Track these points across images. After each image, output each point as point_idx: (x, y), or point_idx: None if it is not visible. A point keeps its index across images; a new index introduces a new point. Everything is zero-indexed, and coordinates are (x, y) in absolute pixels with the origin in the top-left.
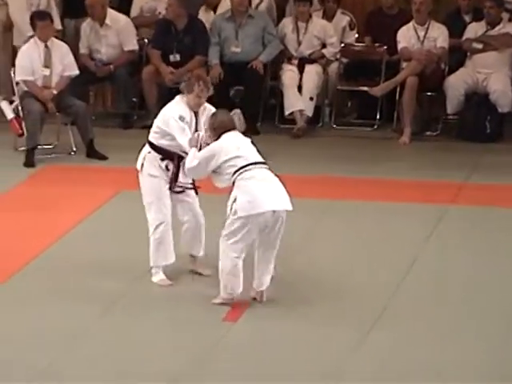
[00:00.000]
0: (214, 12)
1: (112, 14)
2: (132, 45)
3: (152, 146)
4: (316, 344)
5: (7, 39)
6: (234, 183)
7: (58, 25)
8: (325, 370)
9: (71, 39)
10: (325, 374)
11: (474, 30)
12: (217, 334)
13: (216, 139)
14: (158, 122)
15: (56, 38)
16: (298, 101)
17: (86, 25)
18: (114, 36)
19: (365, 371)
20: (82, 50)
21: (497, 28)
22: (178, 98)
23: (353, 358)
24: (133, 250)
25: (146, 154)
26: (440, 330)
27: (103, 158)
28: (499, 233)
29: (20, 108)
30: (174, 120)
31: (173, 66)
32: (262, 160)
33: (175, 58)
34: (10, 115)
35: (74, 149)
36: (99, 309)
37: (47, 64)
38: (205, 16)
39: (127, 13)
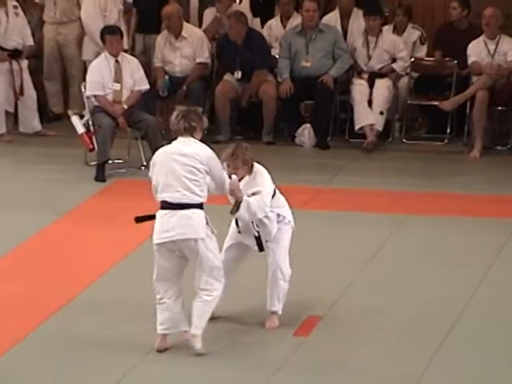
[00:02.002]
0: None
1: (188, 26)
2: (204, 58)
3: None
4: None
5: (79, 54)
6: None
7: (125, 43)
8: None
9: (139, 54)
10: None
11: None
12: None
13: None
14: (197, 166)
15: (126, 52)
16: (368, 115)
17: (161, 37)
18: (189, 47)
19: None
20: (157, 64)
21: None
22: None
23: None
24: None
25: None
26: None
27: None
28: None
29: (91, 123)
30: (217, 160)
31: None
32: None
33: (237, 75)
34: (80, 130)
35: (145, 163)
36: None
37: (118, 79)
38: (277, 28)
39: None
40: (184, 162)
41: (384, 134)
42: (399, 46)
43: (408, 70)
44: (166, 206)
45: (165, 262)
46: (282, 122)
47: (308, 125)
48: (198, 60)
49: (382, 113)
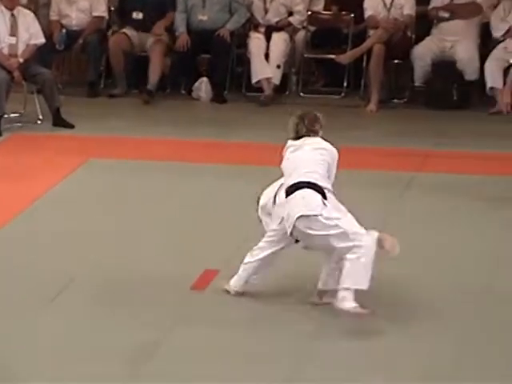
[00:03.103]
0: None
1: None
2: (101, 11)
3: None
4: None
5: None
6: None
7: None
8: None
9: (43, 6)
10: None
11: None
12: None
13: None
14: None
15: (24, 6)
16: (265, 69)
17: None
18: (85, 1)
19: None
20: (53, 17)
21: None
22: None
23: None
24: (105, 219)
25: None
26: None
27: (70, 126)
28: (463, 198)
29: None
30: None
31: (136, 24)
32: None
33: (138, 15)
34: None
35: (41, 117)
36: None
37: (13, 32)
38: None
39: None
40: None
41: (281, 87)
42: None
43: (305, 24)
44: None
45: None
46: (179, 76)
47: (205, 78)
48: (94, 13)
49: (278, 66)
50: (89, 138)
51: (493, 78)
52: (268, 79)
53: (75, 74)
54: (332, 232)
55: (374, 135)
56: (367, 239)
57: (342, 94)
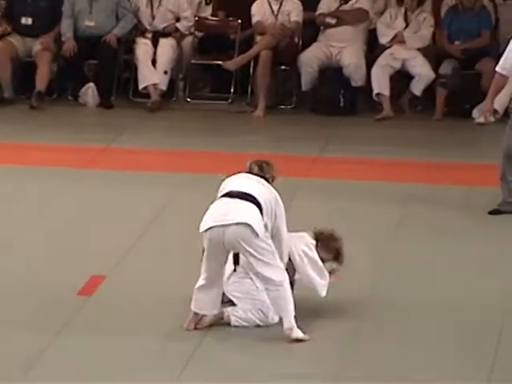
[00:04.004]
0: None
1: None
2: None
3: None
4: None
5: None
6: None
7: None
8: None
9: None
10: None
11: (328, 4)
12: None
13: None
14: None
15: None
16: (152, 74)
17: None
18: None
19: None
20: None
21: (350, 3)
22: None
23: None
24: None
25: None
26: None
27: None
28: (350, 203)
29: None
30: None
31: (24, 30)
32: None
33: (27, 21)
34: None
35: None
36: None
37: None
38: None
39: None
40: None
41: (168, 93)
42: (183, 5)
43: (192, 30)
44: None
45: None
46: (66, 81)
47: (92, 84)
48: None
49: (165, 72)
50: None
51: (379, 84)
52: (155, 85)
53: None
54: None
55: (261, 140)
56: None
57: (229, 100)
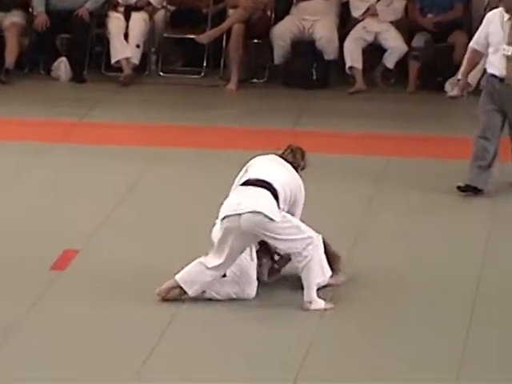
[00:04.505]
0: None
1: None
2: None
3: None
4: None
5: None
6: None
7: None
8: None
9: None
10: None
11: None
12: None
13: None
14: None
15: None
16: (124, 48)
17: None
18: None
19: None
20: None
21: None
22: None
23: None
24: None
25: None
26: None
27: None
28: (324, 177)
29: None
30: None
31: None
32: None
33: None
34: None
35: None
36: None
37: None
38: None
39: None
40: None
41: (140, 67)
42: None
43: (164, 4)
44: None
45: None
46: (38, 56)
47: (64, 58)
48: None
49: (138, 46)
50: None
51: (352, 57)
52: (127, 59)
53: None
54: None
55: (234, 114)
56: None
57: (202, 74)
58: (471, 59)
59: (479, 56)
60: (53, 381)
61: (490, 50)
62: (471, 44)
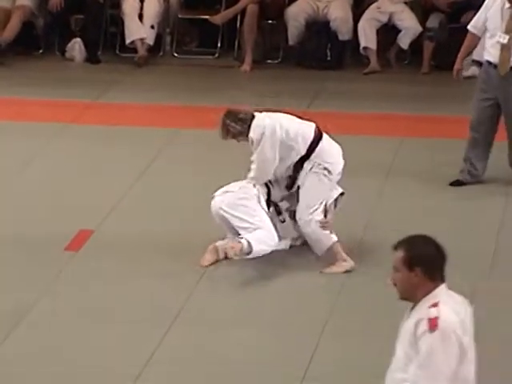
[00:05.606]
0: None
1: None
2: None
3: None
4: None
5: None
6: None
7: None
8: None
9: None
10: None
11: None
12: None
13: None
14: None
15: None
16: (138, 29)
17: None
18: None
19: None
20: None
21: None
22: None
23: None
24: None
25: None
26: None
27: None
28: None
29: None
30: None
31: None
32: None
33: None
34: None
35: None
36: None
37: None
38: None
39: None
40: None
41: (155, 47)
42: None
43: None
44: None
45: None
46: (53, 36)
47: (78, 39)
48: None
49: (152, 27)
50: None
51: (366, 37)
52: (142, 40)
53: None
54: None
55: (248, 95)
56: None
57: (216, 55)
58: (468, 42)
59: (476, 40)
60: (68, 362)
61: (487, 35)
62: (469, 27)
